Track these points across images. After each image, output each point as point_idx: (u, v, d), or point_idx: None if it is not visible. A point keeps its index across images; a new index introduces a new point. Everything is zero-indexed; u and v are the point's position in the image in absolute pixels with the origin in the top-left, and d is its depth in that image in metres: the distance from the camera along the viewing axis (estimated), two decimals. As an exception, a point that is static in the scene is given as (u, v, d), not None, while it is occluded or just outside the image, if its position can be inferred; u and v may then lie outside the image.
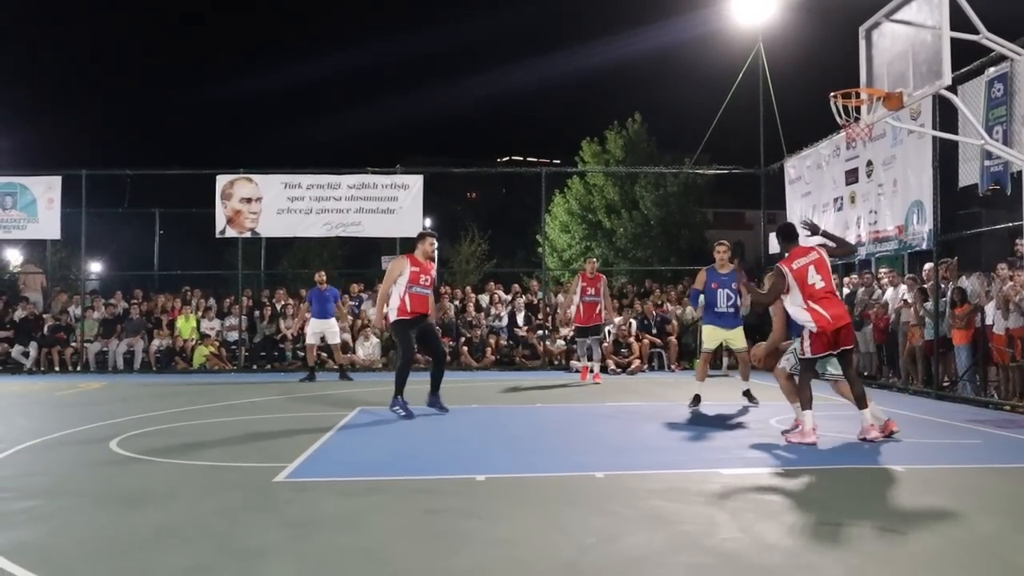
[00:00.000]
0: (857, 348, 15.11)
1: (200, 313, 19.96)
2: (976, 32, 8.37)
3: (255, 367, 19.02)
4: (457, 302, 20.32)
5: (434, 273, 10.73)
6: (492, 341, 19.10)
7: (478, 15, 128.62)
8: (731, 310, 11.35)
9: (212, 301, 20.65)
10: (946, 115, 11.78)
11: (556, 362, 18.68)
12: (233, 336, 19.55)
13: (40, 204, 19.39)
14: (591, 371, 15.29)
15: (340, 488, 6.47)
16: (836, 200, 15.77)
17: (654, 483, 6.51)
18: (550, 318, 19.79)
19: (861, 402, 8.27)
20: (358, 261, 38.71)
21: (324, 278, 16.65)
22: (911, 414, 10.69)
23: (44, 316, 19.63)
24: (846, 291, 15.73)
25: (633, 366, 17.69)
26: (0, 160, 25.08)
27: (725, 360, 16.70)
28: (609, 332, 17.95)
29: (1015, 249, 12.51)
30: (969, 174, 11.86)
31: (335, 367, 16.73)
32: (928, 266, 13.40)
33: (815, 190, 16.81)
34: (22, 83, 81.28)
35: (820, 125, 14.58)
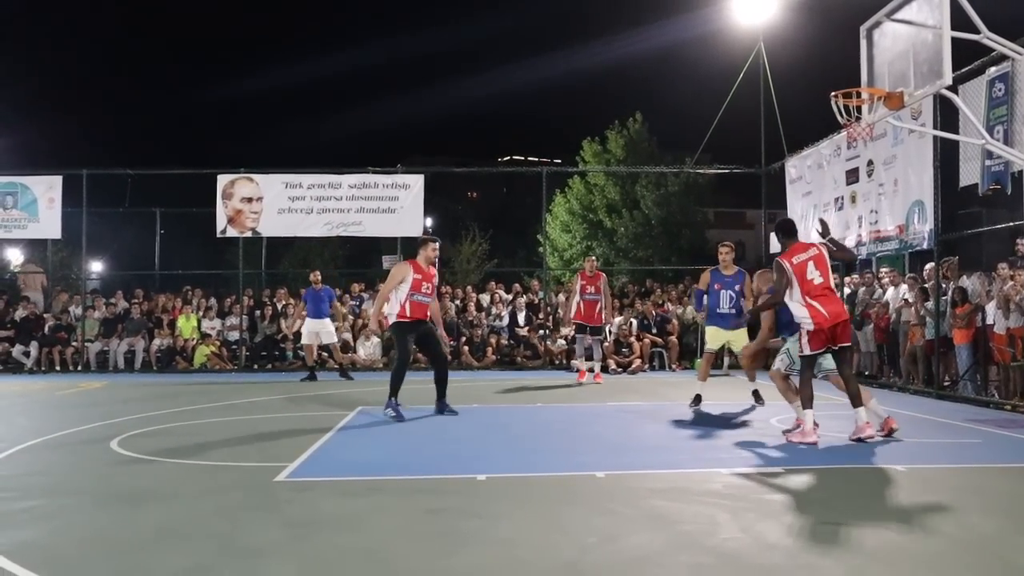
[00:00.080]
0: (858, 347, 15.18)
1: (201, 313, 19.98)
2: (977, 32, 8.36)
3: (256, 367, 19.02)
4: (458, 302, 20.33)
5: (436, 281, 10.66)
6: (493, 341, 19.10)
7: (479, 15, 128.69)
8: (733, 311, 11.34)
9: (213, 301, 20.67)
10: (947, 115, 11.78)
11: (557, 362, 18.67)
12: (234, 336, 19.56)
13: (41, 204, 19.40)
14: (591, 371, 15.28)
15: (341, 488, 6.48)
16: (837, 200, 15.76)
17: (655, 483, 6.51)
18: (551, 318, 19.79)
19: (855, 401, 8.27)
20: (359, 261, 38.78)
21: (319, 278, 16.65)
22: (912, 414, 10.69)
23: (45, 316, 19.63)
24: (847, 291, 15.73)
25: (634, 366, 17.69)
26: (1, 160, 25.05)
27: (726, 360, 16.69)
28: (610, 332, 17.95)
29: (1016, 249, 12.50)
30: (970, 174, 11.86)
31: (335, 366, 16.74)
32: (929, 266, 13.40)
33: (816, 190, 16.80)
34: (23, 83, 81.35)
35: (821, 125, 14.60)
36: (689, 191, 36.24)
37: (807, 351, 8.33)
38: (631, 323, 18.59)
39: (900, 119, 10.83)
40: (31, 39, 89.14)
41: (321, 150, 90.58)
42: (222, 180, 19.21)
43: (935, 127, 12.02)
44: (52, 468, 7.40)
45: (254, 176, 19.29)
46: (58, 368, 18.64)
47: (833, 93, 9.16)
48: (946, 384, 12.68)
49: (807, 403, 8.34)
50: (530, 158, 67.74)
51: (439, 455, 8.00)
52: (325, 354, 17.57)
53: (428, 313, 10.58)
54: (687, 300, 19.78)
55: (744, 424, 9.84)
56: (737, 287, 11.26)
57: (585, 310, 14.78)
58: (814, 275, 8.28)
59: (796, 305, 8.27)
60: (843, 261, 9.97)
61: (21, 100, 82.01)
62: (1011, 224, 12.75)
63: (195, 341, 19.16)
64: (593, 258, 16.28)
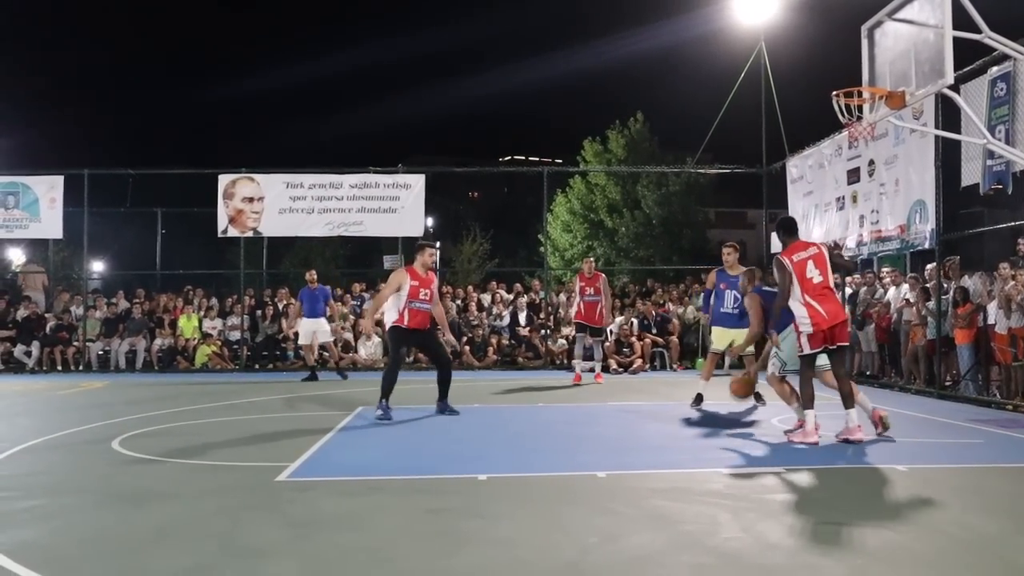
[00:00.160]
0: (859, 347, 15.18)
1: (202, 312, 19.99)
2: (979, 31, 8.35)
3: (257, 367, 19.02)
4: (459, 302, 20.33)
5: (435, 287, 10.58)
6: (494, 341, 19.10)
7: (480, 14, 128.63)
8: (736, 311, 11.30)
9: (214, 300, 20.68)
10: (948, 114, 11.76)
11: (558, 362, 18.65)
12: (235, 336, 19.56)
13: (42, 203, 19.41)
14: (592, 371, 15.28)
15: (341, 488, 6.48)
16: (838, 199, 15.75)
17: (656, 483, 6.51)
18: (552, 318, 19.78)
19: (847, 401, 8.26)
20: (360, 261, 38.82)
21: (315, 277, 16.65)
22: (913, 413, 10.69)
23: (46, 315, 19.63)
24: (848, 291, 15.71)
25: (635, 365, 17.68)
26: (2, 160, 25.08)
27: (727, 360, 16.67)
28: (611, 332, 17.95)
29: (1017, 248, 12.49)
30: (971, 173, 11.85)
31: (332, 366, 16.75)
32: (930, 265, 13.39)
33: (817, 189, 16.80)
34: (24, 83, 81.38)
35: (822, 124, 14.57)
36: (690, 191, 36.23)
37: (807, 350, 8.33)
38: (632, 323, 18.59)
39: (901, 119, 10.83)
40: (32, 39, 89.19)
41: (322, 150, 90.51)
42: (223, 180, 19.22)
43: (937, 127, 12.01)
44: (53, 468, 7.41)
45: (255, 176, 19.29)
46: (59, 368, 18.64)
47: (834, 92, 9.15)
48: (947, 384, 12.67)
49: (808, 403, 8.33)
50: (531, 158, 67.69)
51: (440, 455, 8.00)
52: (326, 354, 17.58)
53: (427, 322, 10.52)
54: (688, 300, 19.81)
55: (745, 424, 9.83)
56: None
57: (586, 311, 14.75)
58: (813, 274, 8.28)
59: (795, 304, 8.27)
60: (843, 270, 9.96)
61: (23, 100, 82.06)
62: (1012, 224, 12.75)
63: (196, 341, 19.17)
64: (591, 259, 16.24)
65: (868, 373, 15.03)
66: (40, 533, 5.22)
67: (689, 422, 10.00)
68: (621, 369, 17.56)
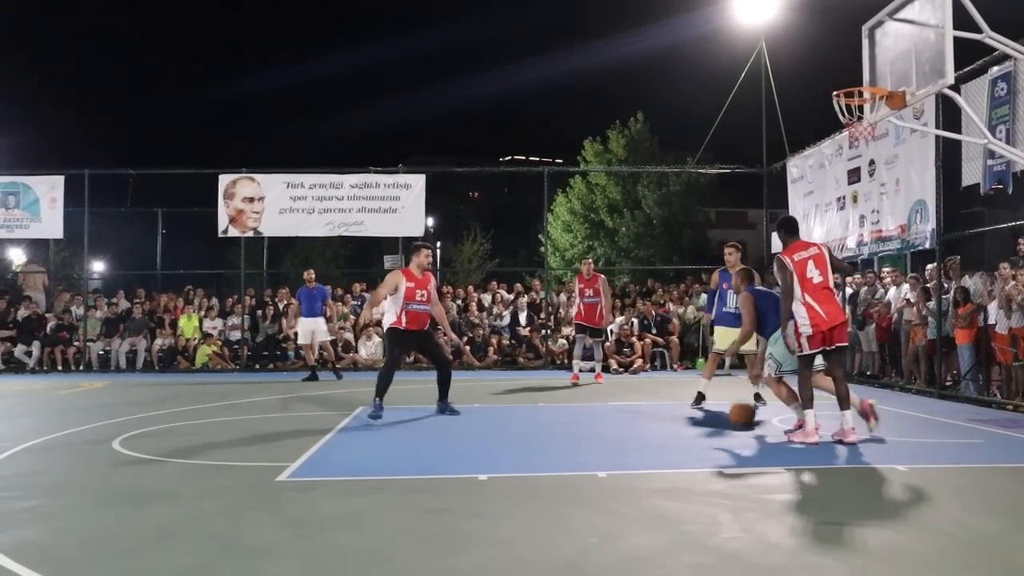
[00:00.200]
0: (859, 347, 15.18)
1: (202, 312, 19.99)
2: (979, 31, 8.35)
3: (257, 367, 19.03)
4: (459, 301, 20.33)
5: (432, 287, 10.52)
6: (494, 341, 19.10)
7: (481, 14, 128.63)
8: (737, 310, 11.26)
9: (214, 300, 20.69)
10: (949, 114, 11.76)
11: (558, 362, 18.65)
12: (235, 336, 19.57)
13: (43, 203, 19.42)
14: (592, 371, 15.27)
15: (342, 488, 6.48)
16: (838, 199, 15.75)
17: (656, 483, 6.51)
18: (552, 318, 19.78)
19: (844, 403, 8.25)
20: (360, 261, 38.85)
21: (312, 276, 16.65)
22: (914, 413, 10.69)
23: (47, 315, 19.63)
24: (849, 291, 15.71)
25: (636, 365, 17.68)
26: (3, 159, 25.09)
27: (727, 360, 16.67)
28: (611, 332, 17.94)
29: (1017, 248, 12.49)
30: (972, 173, 11.85)
31: (328, 366, 16.73)
32: (931, 265, 13.39)
33: (817, 189, 16.79)
34: (25, 83, 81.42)
35: (822, 124, 14.59)
36: (690, 191, 36.25)
37: (805, 350, 8.32)
38: (632, 323, 18.59)
39: (902, 119, 10.83)
40: (33, 39, 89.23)
41: (322, 150, 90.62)
42: (224, 180, 19.22)
43: (937, 127, 12.01)
44: (54, 468, 7.41)
45: (256, 176, 19.30)
46: (60, 368, 18.65)
47: (835, 92, 9.14)
48: (948, 384, 12.67)
49: (808, 403, 8.34)
50: (531, 158, 67.73)
51: (440, 455, 8.00)
52: (325, 353, 17.58)
53: (426, 323, 10.50)
54: (688, 300, 19.81)
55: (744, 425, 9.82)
56: None
57: (586, 313, 14.71)
58: (814, 274, 8.28)
59: (795, 303, 8.27)
60: (842, 271, 9.96)
61: (23, 100, 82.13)
62: (1013, 224, 12.74)
63: (197, 341, 19.17)
64: (589, 260, 16.16)
65: (869, 373, 15.03)
66: (40, 533, 5.22)
67: (690, 422, 9.99)
68: (622, 369, 17.56)
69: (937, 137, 12.15)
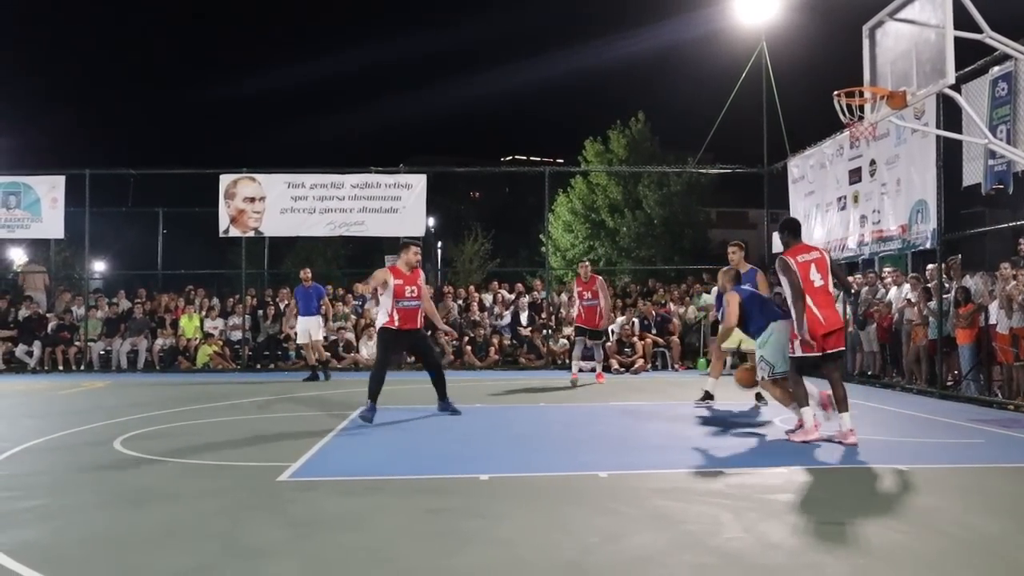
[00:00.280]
0: (861, 348, 15.18)
1: (203, 312, 20.00)
2: (980, 31, 8.34)
3: (258, 367, 19.03)
4: (460, 301, 20.33)
5: (421, 282, 10.44)
6: (495, 341, 19.10)
7: (482, 14, 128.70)
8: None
9: (215, 300, 20.68)
10: (950, 114, 11.75)
11: (560, 362, 18.64)
12: (236, 335, 19.57)
13: (44, 203, 19.43)
14: (593, 371, 15.26)
15: (343, 487, 6.48)
16: (839, 199, 15.74)
17: (658, 482, 6.51)
18: (553, 318, 19.78)
19: (842, 405, 8.24)
20: (361, 261, 38.77)
21: (309, 275, 16.64)
22: (915, 413, 10.69)
23: (48, 315, 19.64)
24: (850, 291, 15.70)
25: (637, 365, 17.68)
26: (4, 160, 25.11)
27: (728, 360, 16.66)
28: (612, 332, 17.94)
29: (1018, 248, 12.49)
30: (973, 173, 11.85)
31: (336, 366, 16.71)
32: (931, 265, 13.39)
33: (818, 189, 16.78)
34: (26, 83, 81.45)
35: (823, 124, 14.56)
36: (691, 191, 36.28)
37: (798, 352, 8.33)
38: (633, 323, 18.59)
39: (903, 118, 10.83)
40: (34, 39, 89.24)
41: (323, 150, 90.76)
42: (225, 180, 19.23)
43: (938, 127, 12.00)
44: (55, 468, 7.40)
45: (257, 176, 19.31)
46: (61, 368, 18.66)
47: (836, 92, 9.14)
48: (949, 384, 12.67)
49: (803, 401, 8.37)
50: (532, 158, 67.80)
51: (441, 455, 8.00)
52: (328, 353, 17.56)
53: (419, 320, 10.42)
54: (689, 300, 19.80)
55: (747, 424, 9.83)
56: (748, 284, 11.14)
57: (585, 315, 14.64)
58: (815, 277, 8.28)
59: (796, 302, 8.26)
60: (843, 288, 9.92)
61: (24, 100, 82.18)
62: (1014, 224, 12.74)
63: (198, 341, 19.17)
64: (586, 263, 16.10)
65: (870, 373, 15.03)
66: (42, 533, 5.22)
67: (691, 422, 9.99)
68: (623, 369, 17.57)
69: (938, 137, 12.15)
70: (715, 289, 12.56)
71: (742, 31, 20.29)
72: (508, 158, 67.76)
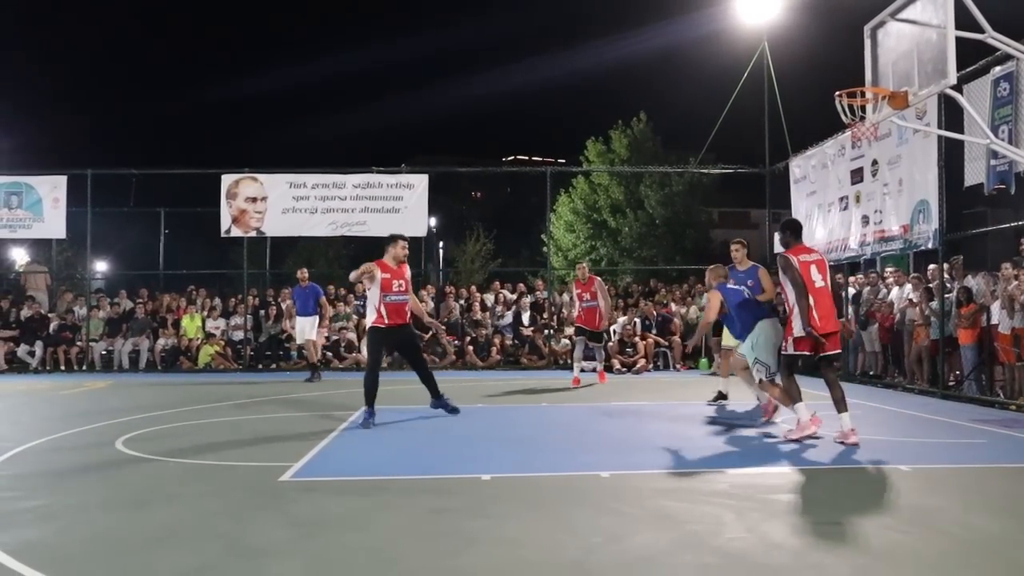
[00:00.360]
0: (863, 348, 15.18)
1: (205, 312, 20.00)
2: (982, 31, 8.34)
3: (260, 366, 19.04)
4: (462, 301, 20.33)
5: (408, 277, 10.38)
6: (497, 341, 19.11)
7: (484, 14, 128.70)
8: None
9: (217, 300, 20.67)
10: (952, 114, 11.74)
11: (561, 362, 18.64)
12: (238, 335, 19.57)
13: (46, 203, 19.45)
14: (594, 370, 15.25)
15: (345, 487, 6.48)
16: (841, 199, 15.73)
17: (660, 483, 6.52)
18: (555, 318, 19.78)
19: (840, 406, 8.25)
20: (363, 261, 38.68)
21: (306, 275, 16.63)
22: (916, 414, 10.69)
23: (50, 315, 19.66)
24: (852, 291, 15.71)
25: (638, 365, 17.68)
26: (6, 159, 25.15)
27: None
28: (614, 332, 17.94)
29: (1020, 248, 12.48)
30: (975, 173, 11.84)
31: (339, 366, 16.69)
32: (933, 266, 13.39)
33: (820, 189, 16.77)
34: (28, 83, 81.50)
35: (825, 124, 14.56)
36: (693, 191, 36.24)
37: (790, 351, 8.36)
38: (635, 323, 18.59)
39: (904, 119, 10.82)
40: (36, 39, 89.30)
41: (325, 150, 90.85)
42: (226, 180, 19.25)
43: (940, 127, 11.99)
44: (57, 468, 7.40)
45: (258, 176, 19.32)
46: (63, 368, 18.67)
47: (837, 93, 9.14)
48: (951, 384, 12.67)
49: (797, 397, 8.43)
50: (534, 158, 67.81)
51: (444, 455, 8.00)
52: (330, 353, 17.57)
53: (407, 315, 10.31)
54: (691, 300, 19.79)
55: (749, 424, 9.82)
56: (749, 282, 11.10)
57: (585, 317, 14.57)
58: (816, 278, 8.31)
59: (797, 300, 8.27)
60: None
61: (27, 100, 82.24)
62: (1015, 224, 12.73)
63: (199, 341, 19.18)
64: (583, 264, 16.03)
65: (872, 373, 15.02)
66: (44, 533, 5.23)
67: (693, 422, 9.98)
68: (625, 369, 17.57)
69: (940, 137, 12.14)
70: None
71: (744, 31, 20.29)
72: (510, 158, 67.79)
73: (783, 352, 8.51)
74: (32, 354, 18.73)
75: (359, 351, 18.55)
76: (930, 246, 12.94)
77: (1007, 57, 10.32)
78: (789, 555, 4.64)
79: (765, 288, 10.57)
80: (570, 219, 38.41)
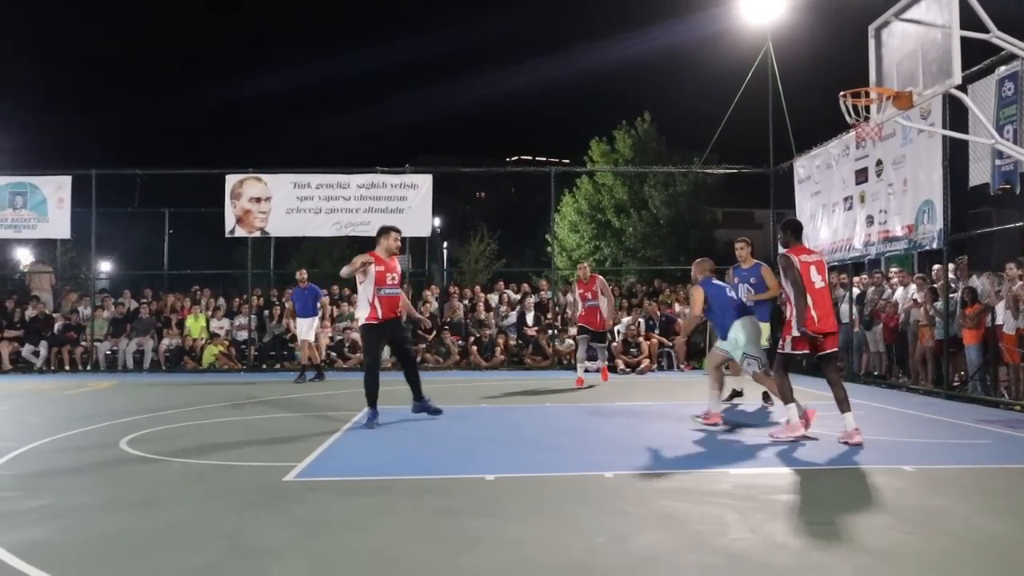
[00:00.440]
0: (867, 348, 15.16)
1: (209, 312, 20.03)
2: (986, 31, 8.32)
3: (264, 367, 19.05)
4: (466, 301, 20.33)
5: (400, 269, 10.29)
6: (501, 341, 19.11)
7: (487, 14, 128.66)
8: (750, 304, 11.11)
9: (221, 300, 20.71)
10: (956, 114, 11.74)
11: (565, 362, 18.64)
12: (242, 335, 19.59)
13: (50, 204, 19.48)
14: (597, 370, 15.22)
15: (349, 487, 6.49)
16: (846, 199, 15.73)
17: (664, 483, 6.52)
18: (559, 318, 19.78)
19: (843, 406, 8.24)
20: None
21: (305, 276, 16.62)
22: (921, 414, 10.67)
23: (54, 315, 19.69)
24: (856, 291, 15.69)
25: (642, 366, 17.68)
26: (10, 160, 25.14)
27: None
28: (618, 332, 17.93)
29: (1025, 249, 12.47)
30: (980, 173, 11.82)
31: (343, 366, 16.69)
32: (938, 266, 13.37)
33: (824, 189, 16.77)
34: (32, 84, 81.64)
35: (829, 124, 14.55)
36: (697, 191, 36.25)
37: (787, 350, 8.39)
38: (639, 323, 18.58)
39: (909, 119, 10.81)
40: (40, 40, 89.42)
41: (329, 150, 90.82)
42: (231, 180, 19.27)
43: (944, 127, 11.98)
44: (62, 468, 7.41)
45: (263, 176, 19.34)
46: (67, 368, 18.71)
47: (842, 93, 9.13)
48: (955, 384, 12.65)
49: (789, 397, 8.48)
50: (538, 158, 67.78)
51: (448, 455, 8.00)
52: (334, 354, 17.55)
53: (398, 309, 10.21)
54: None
55: (752, 424, 9.81)
56: (752, 280, 11.09)
57: (587, 316, 14.55)
58: (816, 279, 8.35)
59: (796, 299, 8.29)
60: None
61: (31, 101, 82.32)
62: (1020, 224, 12.71)
63: (204, 341, 19.21)
64: (584, 264, 15.90)
65: (876, 374, 15.00)
66: (49, 533, 5.23)
67: (697, 422, 9.96)
68: (628, 369, 17.56)
69: (944, 137, 12.13)
70: None
71: (748, 31, 20.26)
72: (514, 158, 67.83)
73: (780, 351, 8.53)
74: (36, 354, 18.76)
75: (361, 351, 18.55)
76: (935, 246, 12.93)
77: (1012, 57, 10.31)
78: (792, 555, 4.64)
79: (769, 286, 10.56)
80: (574, 219, 38.43)
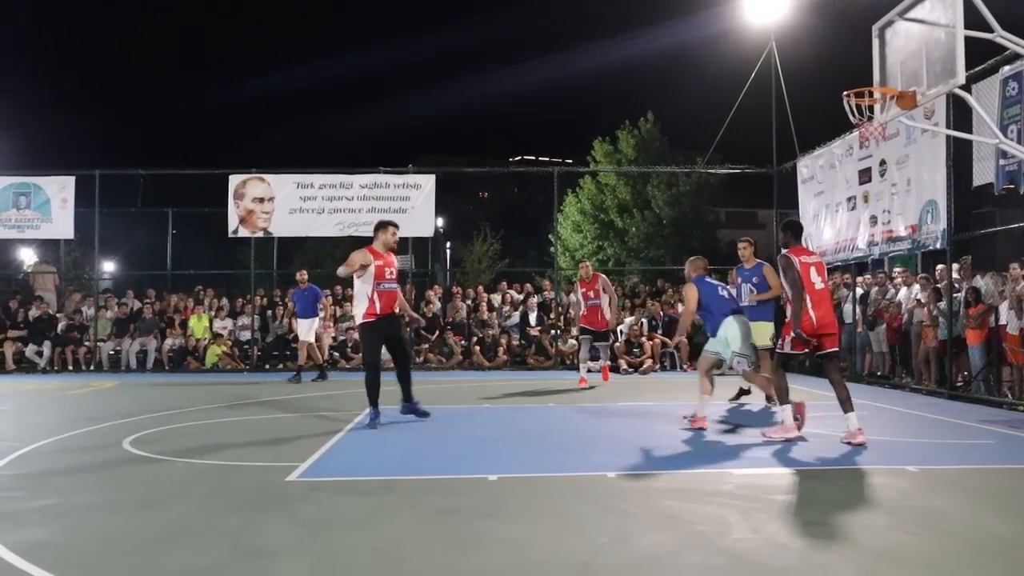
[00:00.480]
0: (870, 348, 15.15)
1: (213, 312, 20.04)
2: (990, 30, 8.31)
3: (267, 367, 19.06)
4: (469, 302, 20.33)
5: (397, 264, 10.22)
6: (504, 341, 19.10)
7: (490, 14, 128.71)
8: (755, 304, 11.10)
9: (225, 300, 20.72)
10: (960, 114, 11.73)
11: (568, 362, 18.63)
12: (245, 336, 19.60)
13: (54, 204, 19.50)
14: (597, 370, 15.20)
15: (352, 487, 6.49)
16: (849, 199, 15.71)
17: (667, 483, 6.51)
18: (562, 318, 19.77)
19: (846, 406, 8.23)
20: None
21: (305, 277, 16.64)
22: (924, 414, 10.66)
23: (58, 316, 19.71)
24: (859, 291, 15.67)
25: (645, 366, 17.66)
26: (14, 160, 25.19)
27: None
28: (621, 332, 17.92)
29: (1029, 249, 12.45)
30: (984, 173, 11.81)
31: (346, 366, 16.69)
32: (941, 266, 13.35)
33: (828, 189, 16.75)
34: (36, 84, 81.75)
35: (833, 124, 14.54)
36: (700, 191, 36.25)
37: (785, 350, 8.39)
38: (642, 323, 18.57)
39: (913, 118, 10.79)
40: (44, 41, 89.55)
41: (332, 150, 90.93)
42: (234, 180, 19.28)
43: (948, 126, 11.97)
44: (65, 468, 7.42)
45: (266, 176, 19.35)
46: (71, 368, 18.72)
47: (845, 92, 9.13)
48: (959, 385, 12.64)
49: (784, 398, 8.47)
50: (541, 158, 67.81)
51: (450, 455, 8.00)
52: (337, 354, 17.54)
53: (396, 304, 10.08)
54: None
55: (755, 425, 9.78)
56: (754, 279, 11.08)
57: (589, 316, 14.50)
58: (816, 280, 8.35)
59: (795, 299, 8.30)
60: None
61: (35, 101, 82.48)
62: (1024, 224, 12.70)
63: (207, 341, 19.22)
64: (586, 264, 15.81)
65: (879, 374, 14.99)
66: (52, 532, 5.23)
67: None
68: (631, 369, 17.55)
69: (948, 137, 12.11)
70: None
71: (751, 31, 20.25)
72: (517, 158, 67.81)
73: (779, 351, 8.53)
74: (40, 354, 18.78)
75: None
76: (938, 246, 12.91)
77: (1016, 56, 10.30)
78: (795, 556, 4.63)
79: (771, 285, 10.56)
80: (577, 219, 38.43)
